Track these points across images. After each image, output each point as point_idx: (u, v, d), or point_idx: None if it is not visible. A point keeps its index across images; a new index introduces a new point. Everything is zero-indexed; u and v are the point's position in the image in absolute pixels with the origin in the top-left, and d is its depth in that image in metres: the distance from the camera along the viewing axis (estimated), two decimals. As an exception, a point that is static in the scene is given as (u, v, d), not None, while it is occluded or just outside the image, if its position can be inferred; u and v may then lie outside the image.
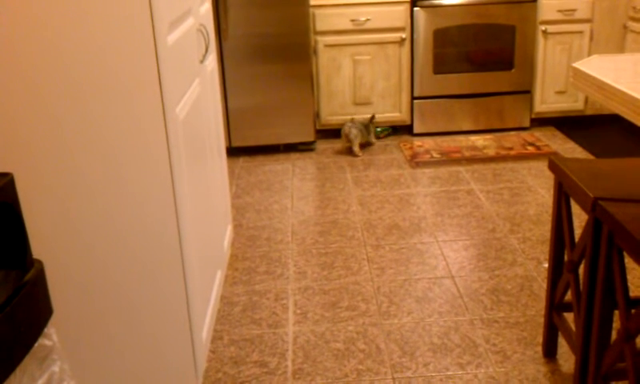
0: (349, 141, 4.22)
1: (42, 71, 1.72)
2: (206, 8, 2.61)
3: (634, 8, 4.20)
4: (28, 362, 1.30)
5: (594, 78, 1.79)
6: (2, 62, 1.70)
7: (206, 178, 2.37)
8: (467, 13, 4.29)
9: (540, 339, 2.35)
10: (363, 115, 4.39)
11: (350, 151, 4.26)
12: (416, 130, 4.50)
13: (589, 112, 4.53)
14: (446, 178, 3.81)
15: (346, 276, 2.82)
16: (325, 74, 4.34)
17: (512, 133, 4.49)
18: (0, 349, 1.18)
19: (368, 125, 4.29)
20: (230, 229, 3.02)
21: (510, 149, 4.20)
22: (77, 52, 1.71)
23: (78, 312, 1.92)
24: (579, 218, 3.09)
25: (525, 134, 4.45)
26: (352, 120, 4.26)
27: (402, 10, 4.25)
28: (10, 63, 1.70)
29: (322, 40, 4.26)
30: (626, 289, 1.68)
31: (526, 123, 4.52)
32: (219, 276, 2.58)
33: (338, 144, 4.45)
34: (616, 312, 1.77)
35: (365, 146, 4.36)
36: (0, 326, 1.18)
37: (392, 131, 4.54)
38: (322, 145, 4.48)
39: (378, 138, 4.48)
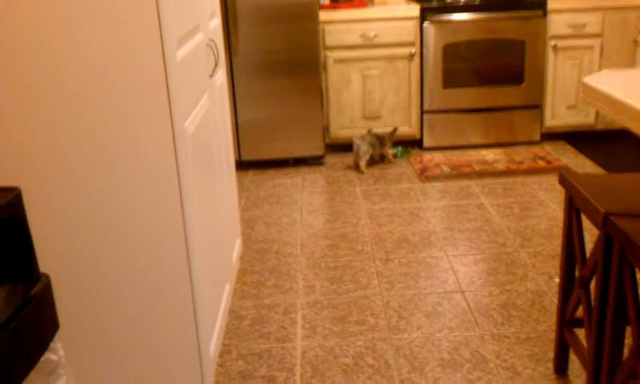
0: (358, 155, 4.20)
1: (49, 86, 1.73)
2: (216, 23, 2.63)
3: (645, 22, 4.19)
4: (34, 376, 1.30)
5: (604, 93, 1.78)
6: (11, 81, 1.72)
7: (215, 192, 2.37)
8: (477, 28, 4.29)
9: (551, 355, 2.33)
10: (382, 129, 4.37)
11: (356, 166, 4.25)
12: (426, 144, 4.49)
13: (600, 127, 4.50)
14: (456, 192, 3.80)
15: (355, 290, 2.81)
16: (334, 89, 4.34)
17: (522, 147, 4.47)
18: (6, 363, 1.18)
19: (384, 138, 4.26)
20: (238, 242, 3.02)
21: (521, 163, 4.18)
22: (85, 67, 1.73)
23: (85, 326, 1.92)
24: (590, 233, 3.06)
25: (535, 148, 4.43)
26: (366, 132, 4.25)
27: (412, 25, 4.26)
28: (18, 80, 1.72)
29: (332, 55, 4.27)
30: (637, 305, 1.66)
31: (537, 137, 4.50)
32: (227, 289, 2.57)
33: (347, 158, 4.45)
34: (628, 328, 1.75)
35: (380, 159, 4.34)
36: (6, 340, 1.18)
37: (404, 151, 4.48)
38: (332, 159, 4.48)
39: (395, 156, 4.44)
